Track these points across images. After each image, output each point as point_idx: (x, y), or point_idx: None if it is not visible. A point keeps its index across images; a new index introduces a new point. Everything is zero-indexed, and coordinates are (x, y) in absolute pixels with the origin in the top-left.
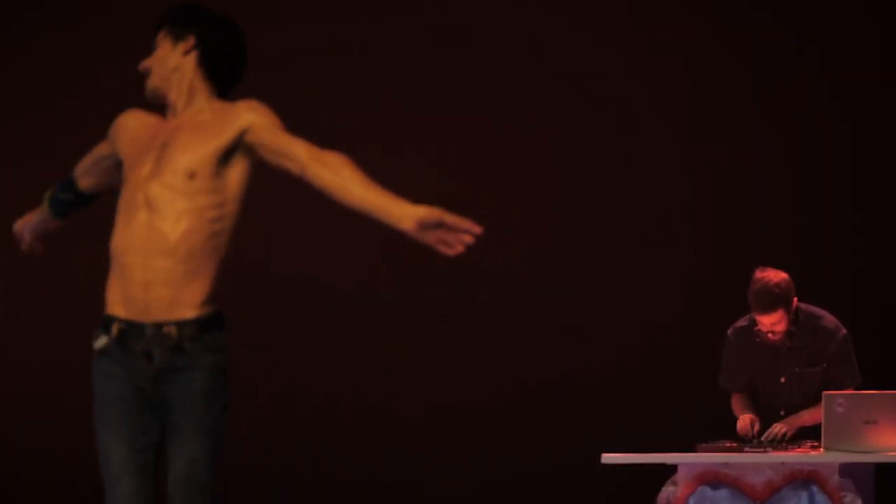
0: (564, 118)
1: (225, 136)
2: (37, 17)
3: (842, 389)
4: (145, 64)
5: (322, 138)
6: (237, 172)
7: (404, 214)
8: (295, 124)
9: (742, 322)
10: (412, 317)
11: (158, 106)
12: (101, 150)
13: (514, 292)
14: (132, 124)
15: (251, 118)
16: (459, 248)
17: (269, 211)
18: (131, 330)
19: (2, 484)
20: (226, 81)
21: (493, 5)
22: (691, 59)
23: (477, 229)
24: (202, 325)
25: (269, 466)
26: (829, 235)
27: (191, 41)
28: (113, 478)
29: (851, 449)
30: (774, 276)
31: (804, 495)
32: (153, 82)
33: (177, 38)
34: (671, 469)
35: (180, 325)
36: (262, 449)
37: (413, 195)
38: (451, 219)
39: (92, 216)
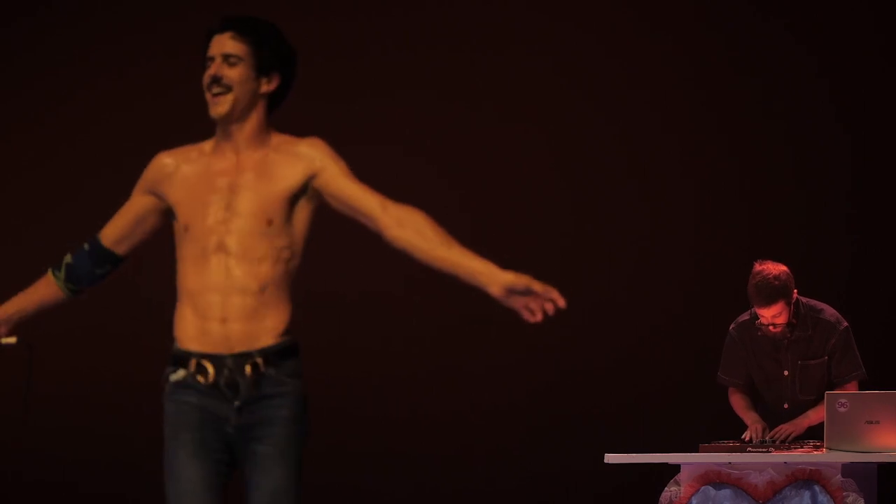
0: (564, 118)
1: (294, 180)
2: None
3: (846, 382)
4: (227, 78)
5: (324, 137)
6: (304, 215)
7: (493, 280)
8: (298, 124)
9: (744, 316)
10: (413, 318)
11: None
12: (138, 206)
13: None
14: (173, 166)
15: (320, 163)
16: (540, 317)
17: None
18: (212, 362)
19: (2, 484)
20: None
21: (493, 6)
22: (691, 59)
23: (561, 302)
24: (282, 352)
25: None
26: (829, 236)
27: (275, 81)
28: (181, 495)
29: (854, 449)
30: (774, 268)
31: (806, 495)
32: (232, 105)
33: (261, 70)
34: (674, 469)
35: (263, 352)
36: None
37: (414, 195)
38: (538, 287)
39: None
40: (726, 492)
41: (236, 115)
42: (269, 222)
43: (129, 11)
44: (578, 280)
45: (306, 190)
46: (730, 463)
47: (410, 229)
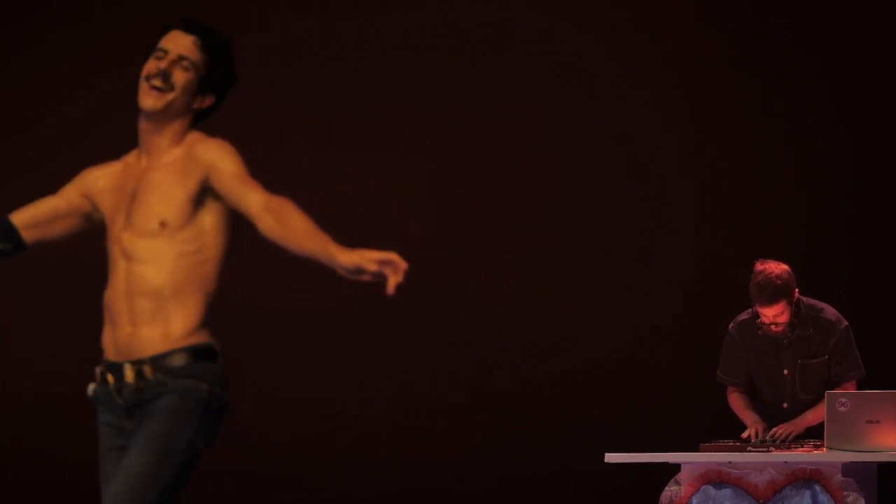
0: (564, 118)
1: (189, 186)
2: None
3: (845, 381)
4: (175, 79)
5: (324, 137)
6: (212, 215)
7: (335, 263)
8: (299, 124)
9: (744, 315)
10: (413, 316)
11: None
12: (64, 202)
13: (516, 292)
14: (102, 179)
15: (213, 163)
16: (391, 290)
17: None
18: (111, 371)
19: (2, 484)
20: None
21: (493, 6)
22: (691, 59)
23: (403, 265)
24: (174, 356)
25: (266, 471)
26: (829, 236)
27: (208, 101)
28: None
29: (854, 448)
30: (776, 267)
31: (807, 494)
32: (167, 105)
33: (204, 87)
34: (674, 468)
35: (154, 358)
36: (260, 453)
37: (414, 195)
38: (373, 265)
39: None
40: (727, 491)
41: (166, 117)
42: (163, 224)
43: (129, 11)
44: (578, 280)
45: (206, 191)
46: (730, 462)
47: (279, 224)
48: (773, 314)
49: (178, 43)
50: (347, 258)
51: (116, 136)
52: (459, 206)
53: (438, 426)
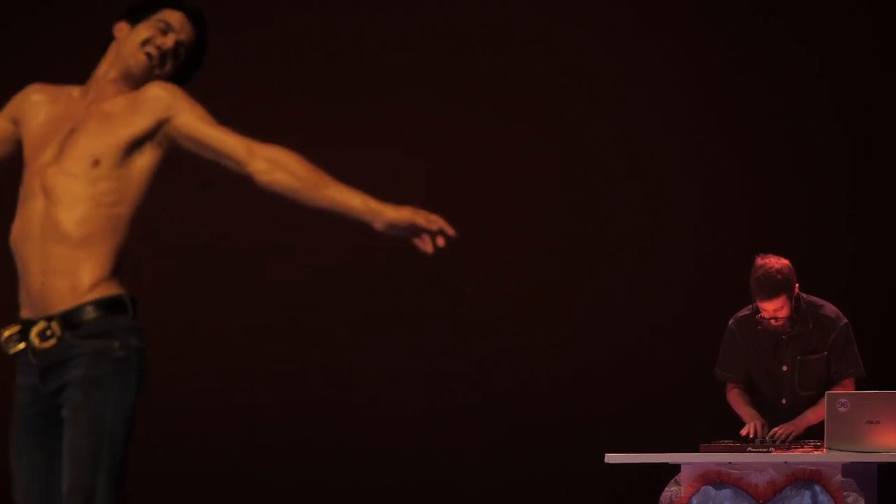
0: (564, 118)
1: (139, 125)
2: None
3: (844, 378)
4: (170, 64)
5: (324, 137)
6: (146, 160)
7: (376, 217)
8: (299, 124)
9: (744, 311)
10: (414, 317)
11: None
12: None
13: (516, 292)
14: (39, 103)
15: (174, 108)
16: (431, 248)
17: (263, 209)
18: (26, 329)
19: (2, 484)
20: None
21: (493, 6)
22: (691, 59)
23: (450, 230)
24: (82, 311)
25: (268, 469)
26: (829, 236)
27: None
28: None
29: (854, 449)
30: (776, 262)
31: (807, 495)
32: (151, 76)
33: (178, 76)
34: (674, 469)
35: (62, 315)
36: (261, 452)
37: (414, 195)
38: (422, 220)
39: None
40: (726, 492)
41: (136, 83)
42: (96, 163)
43: None
44: (578, 280)
45: (154, 136)
46: (730, 463)
47: (284, 172)
48: (774, 308)
49: (185, 28)
50: (397, 213)
51: None
52: (459, 206)
53: (438, 426)
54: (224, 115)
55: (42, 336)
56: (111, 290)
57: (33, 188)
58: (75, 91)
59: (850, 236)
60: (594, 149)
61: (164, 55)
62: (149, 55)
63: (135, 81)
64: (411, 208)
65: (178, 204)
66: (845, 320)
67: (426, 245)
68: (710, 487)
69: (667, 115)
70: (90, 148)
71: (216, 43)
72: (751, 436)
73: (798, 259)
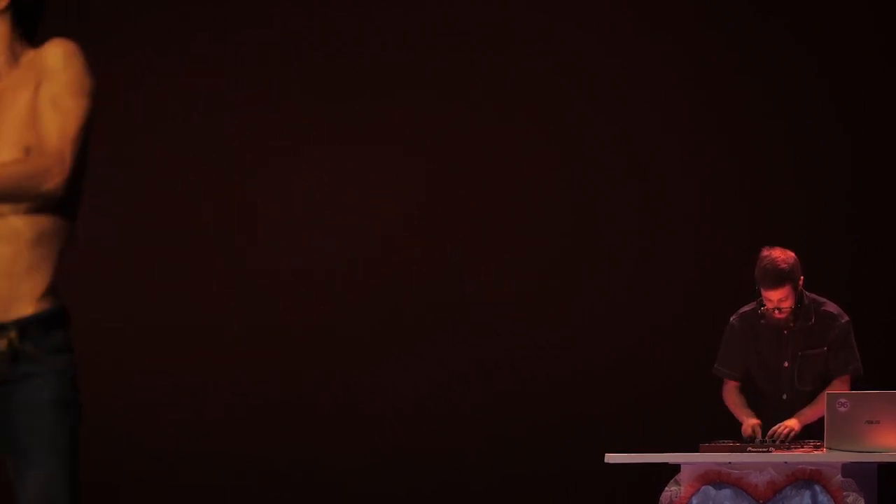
0: (564, 118)
1: (31, 98)
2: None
3: (842, 375)
4: None
5: (324, 137)
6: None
7: None
8: (299, 124)
9: (747, 307)
10: (413, 316)
11: None
12: None
13: (516, 292)
14: None
15: (46, 73)
16: None
17: (261, 205)
18: None
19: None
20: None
21: (493, 6)
22: (691, 59)
23: None
24: (45, 322)
25: (268, 469)
26: (829, 236)
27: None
28: None
29: (854, 449)
30: (781, 253)
31: (807, 495)
32: None
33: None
34: (674, 469)
35: (20, 324)
36: (261, 451)
37: (414, 195)
38: None
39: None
40: (726, 492)
41: (9, 41)
42: (28, 151)
43: (130, 11)
44: (578, 280)
45: None
46: (730, 463)
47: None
48: (778, 298)
49: None
50: None
51: (116, 136)
52: (459, 206)
53: (438, 426)
54: (224, 115)
55: (9, 346)
56: (59, 298)
57: None
58: None
59: (850, 236)
60: (594, 149)
61: None
62: None
63: (8, 41)
64: None
65: (170, 203)
66: (846, 318)
67: None
68: (710, 487)
69: (667, 115)
70: (16, 134)
71: (216, 43)
72: (752, 436)
73: (798, 258)
